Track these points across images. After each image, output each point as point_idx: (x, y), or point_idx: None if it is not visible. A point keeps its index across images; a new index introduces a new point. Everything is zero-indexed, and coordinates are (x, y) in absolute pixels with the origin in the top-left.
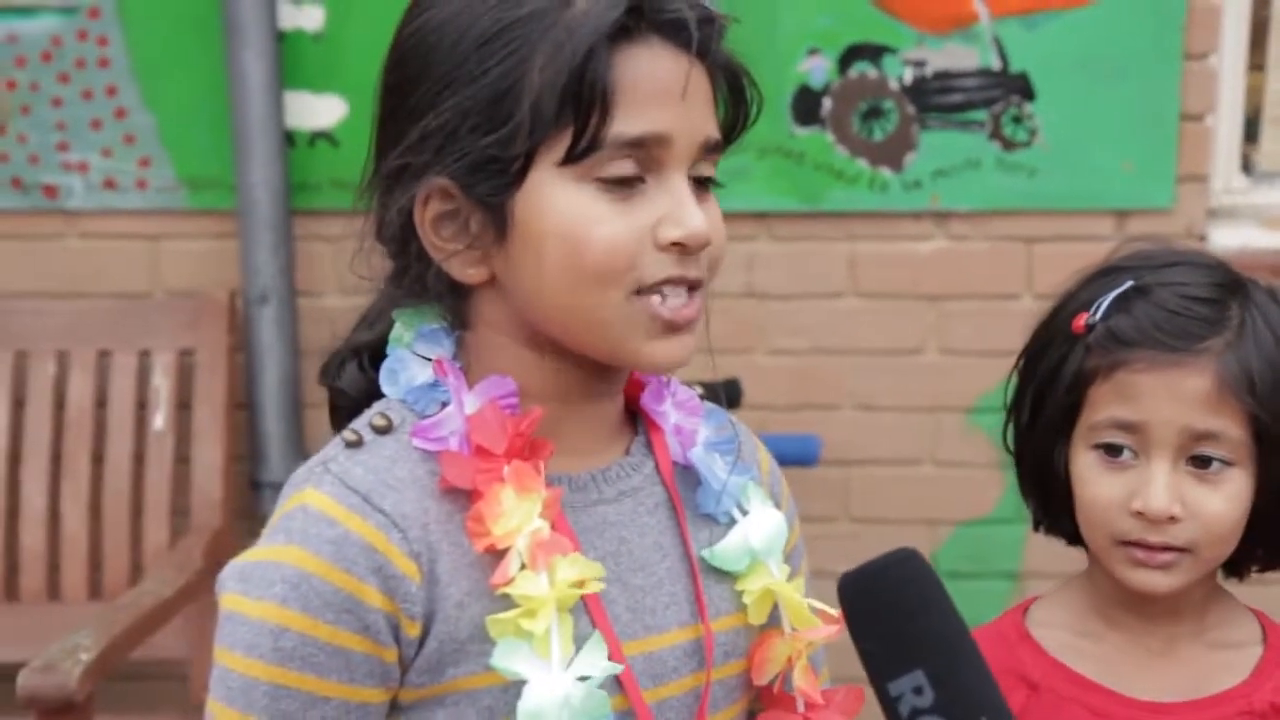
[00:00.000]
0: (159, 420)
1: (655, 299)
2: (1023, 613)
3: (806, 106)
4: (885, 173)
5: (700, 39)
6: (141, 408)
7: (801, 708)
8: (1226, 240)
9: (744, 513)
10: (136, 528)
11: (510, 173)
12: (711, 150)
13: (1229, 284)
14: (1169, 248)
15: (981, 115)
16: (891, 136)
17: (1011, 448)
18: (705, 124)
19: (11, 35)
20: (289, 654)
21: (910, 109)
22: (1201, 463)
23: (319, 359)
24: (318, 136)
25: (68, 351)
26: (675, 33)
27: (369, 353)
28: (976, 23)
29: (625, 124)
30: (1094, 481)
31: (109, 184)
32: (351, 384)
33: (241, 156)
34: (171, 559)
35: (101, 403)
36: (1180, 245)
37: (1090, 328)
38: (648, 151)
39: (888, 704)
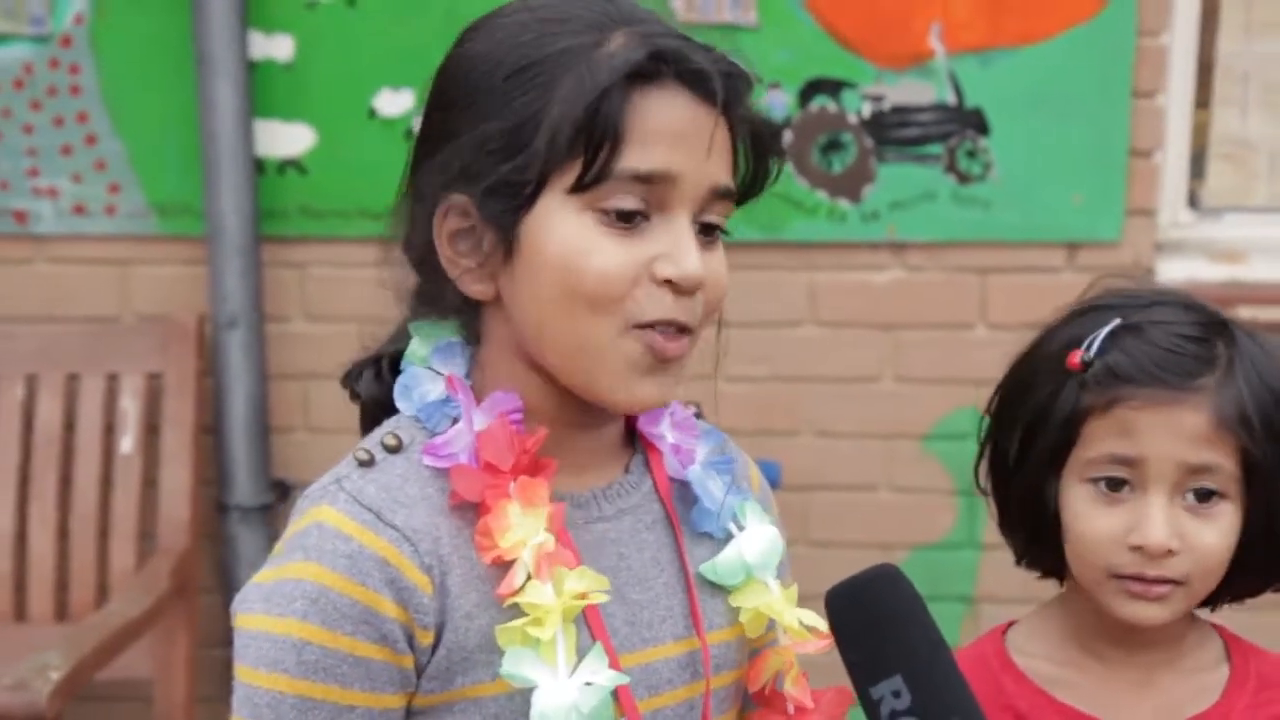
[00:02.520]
0: (127, 443)
1: (646, 331)
2: (1002, 637)
3: None
4: (844, 204)
5: (721, 92)
6: (109, 431)
7: (791, 710)
8: (1173, 273)
9: (740, 528)
10: (104, 550)
11: (522, 196)
12: (722, 198)
13: (1212, 323)
14: (1148, 286)
15: (937, 149)
16: (850, 169)
17: (983, 482)
18: (716, 172)
19: None
20: (313, 666)
21: (868, 142)
22: (1202, 496)
23: (286, 383)
24: (287, 164)
25: (36, 375)
26: (697, 83)
27: (389, 361)
28: (933, 59)
29: (634, 159)
30: (1089, 516)
31: (79, 209)
32: (367, 390)
33: (211, 183)
34: (138, 581)
35: (70, 426)
36: (1156, 284)
37: (1087, 364)
38: (654, 189)
39: (869, 707)
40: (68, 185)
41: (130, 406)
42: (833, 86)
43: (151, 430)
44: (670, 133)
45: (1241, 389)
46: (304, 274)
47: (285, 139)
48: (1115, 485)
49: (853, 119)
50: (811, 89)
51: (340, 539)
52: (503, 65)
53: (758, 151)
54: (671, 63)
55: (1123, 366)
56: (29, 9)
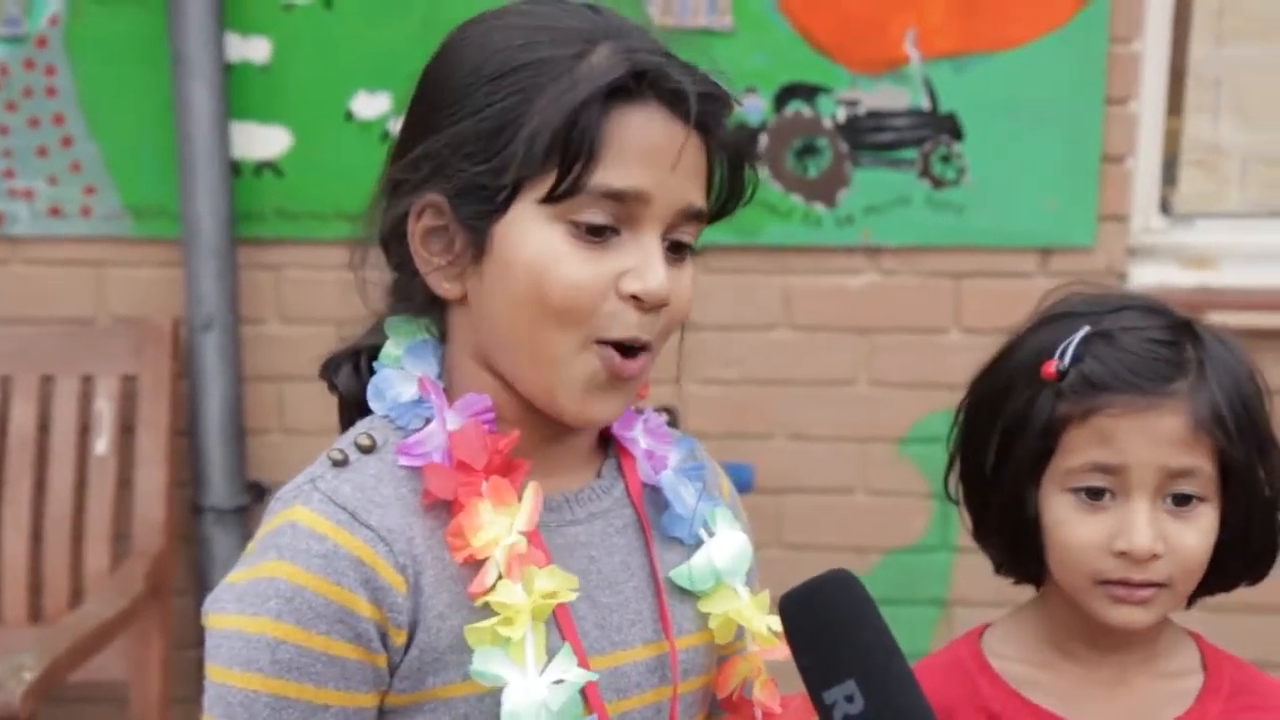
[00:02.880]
0: (102, 445)
1: (606, 348)
2: (978, 639)
3: None
4: (819, 208)
5: (699, 113)
6: (84, 433)
7: (759, 716)
8: (1145, 278)
9: (710, 534)
10: (78, 551)
11: (496, 201)
12: (693, 219)
13: (1179, 326)
14: (1112, 291)
15: (912, 154)
16: (825, 173)
17: (954, 492)
18: (689, 192)
19: None
20: (287, 665)
21: (843, 147)
22: (1181, 500)
23: (261, 386)
24: (263, 166)
25: (11, 377)
26: (675, 102)
27: (367, 355)
28: (908, 65)
29: (607, 175)
30: (1072, 524)
31: (54, 211)
32: (345, 384)
33: (187, 185)
34: (113, 582)
35: (45, 427)
36: (1120, 289)
37: (1062, 374)
38: (625, 206)
39: (823, 712)
40: (43, 187)
41: (105, 408)
42: (808, 91)
43: (126, 432)
44: (645, 151)
45: (1215, 390)
46: (279, 276)
47: (261, 141)
48: (1097, 494)
49: (828, 124)
50: (787, 94)
51: (315, 538)
52: (486, 67)
53: (734, 173)
54: (651, 81)
55: (1098, 375)
56: (4, 10)
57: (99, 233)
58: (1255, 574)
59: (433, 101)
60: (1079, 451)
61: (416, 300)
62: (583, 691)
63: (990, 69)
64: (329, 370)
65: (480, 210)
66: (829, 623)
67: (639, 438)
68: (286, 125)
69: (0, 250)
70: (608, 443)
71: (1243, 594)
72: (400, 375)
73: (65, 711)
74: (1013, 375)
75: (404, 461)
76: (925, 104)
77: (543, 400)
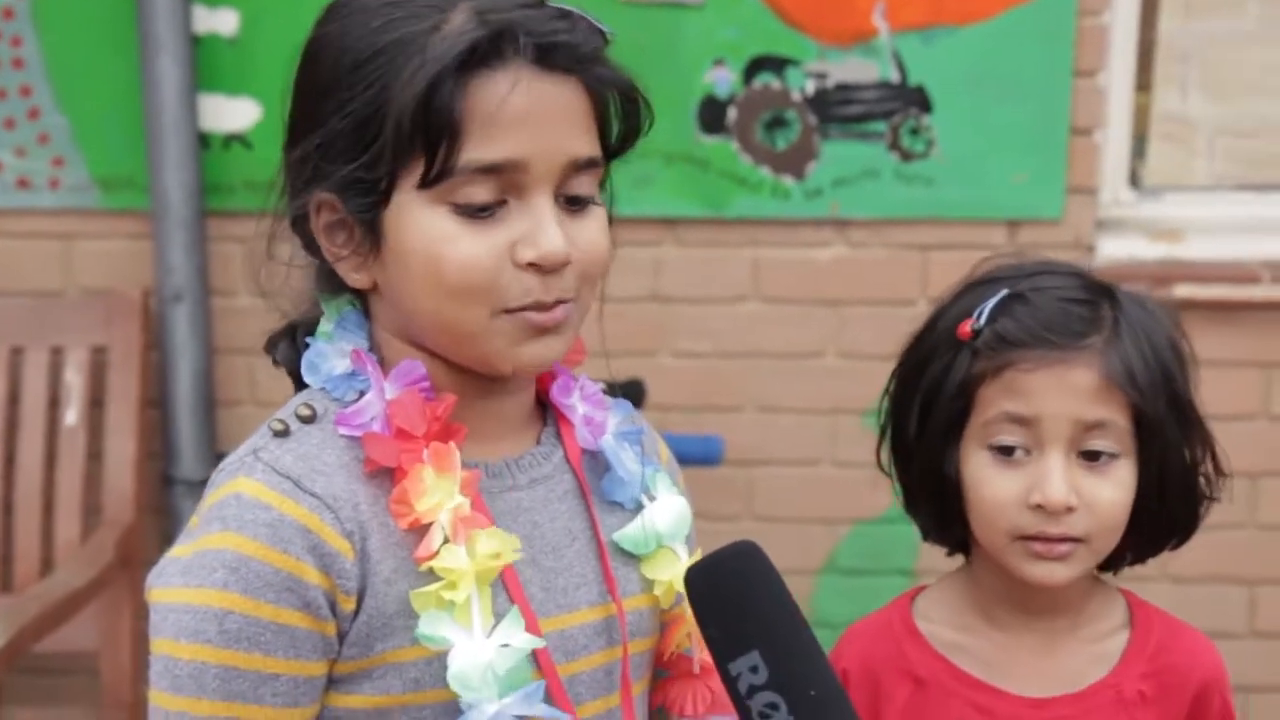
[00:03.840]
0: (71, 416)
1: (519, 314)
2: (910, 603)
3: (712, 116)
4: (787, 181)
5: (571, 60)
6: (54, 405)
7: (697, 669)
8: (1114, 251)
9: (651, 499)
10: (48, 523)
11: (377, 192)
12: (585, 169)
13: (1096, 287)
14: (1034, 258)
15: (880, 127)
16: (794, 146)
17: (887, 464)
18: (572, 144)
19: None
20: (235, 635)
21: (812, 119)
22: (1091, 455)
23: (232, 358)
24: (232, 139)
25: None
26: (540, 56)
27: (304, 330)
28: (876, 37)
29: (476, 151)
30: (989, 481)
31: (22, 183)
32: (284, 358)
33: (155, 158)
34: (83, 553)
35: (14, 399)
36: (1042, 256)
37: (976, 333)
38: (504, 176)
39: (729, 682)
40: (11, 159)
41: (75, 380)
42: (777, 64)
43: (96, 404)
44: (513, 116)
45: (1128, 346)
46: (249, 249)
47: (230, 113)
48: (1008, 450)
49: (796, 96)
50: (755, 66)
51: (260, 508)
52: (348, 55)
53: (626, 107)
54: (510, 39)
55: (1011, 331)
56: None
57: (67, 205)
58: (1178, 535)
59: (308, 92)
60: (992, 405)
61: (337, 283)
62: (533, 655)
63: (959, 41)
64: (271, 347)
65: (365, 203)
66: (733, 594)
67: (576, 404)
68: (255, 97)
69: None
70: (546, 410)
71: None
72: (332, 349)
73: (37, 682)
74: (934, 342)
75: (343, 431)
76: (894, 77)
77: (476, 364)
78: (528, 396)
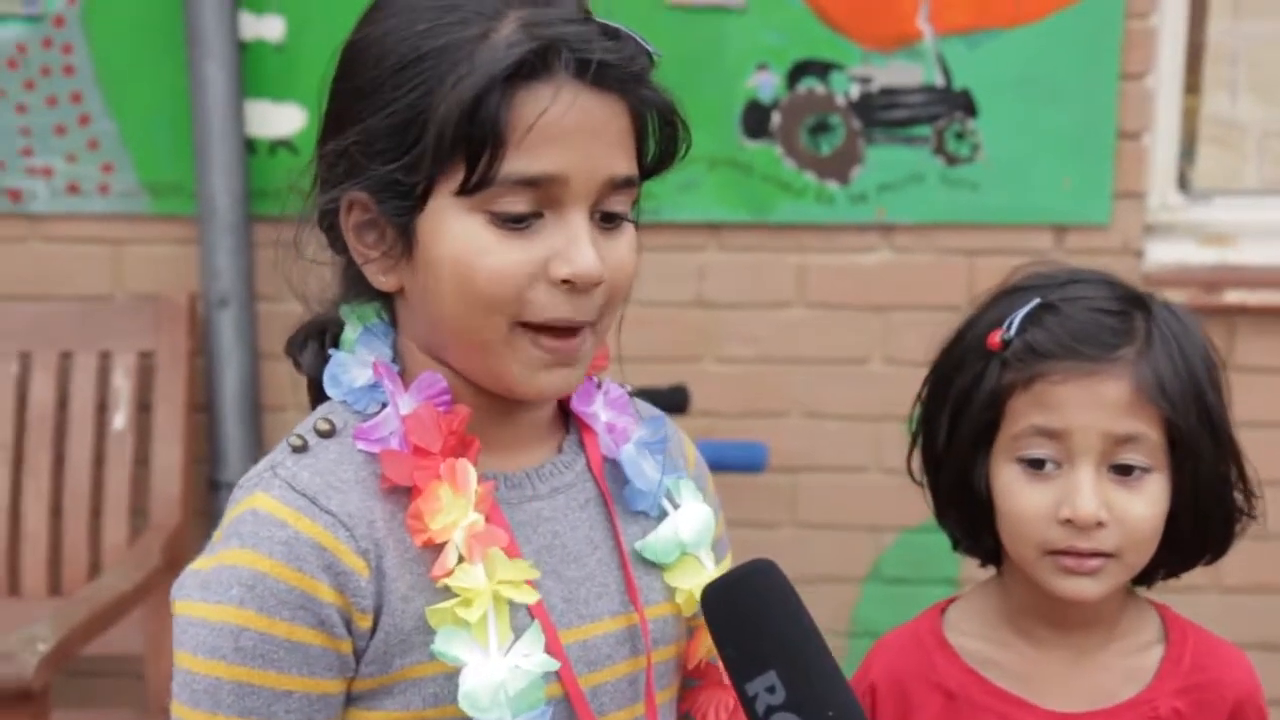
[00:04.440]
0: (119, 421)
1: (537, 333)
2: (940, 614)
3: (756, 120)
4: (832, 186)
5: (616, 79)
6: (102, 409)
7: (726, 679)
8: (1162, 256)
9: (675, 506)
10: (96, 526)
11: (413, 197)
12: (621, 187)
13: (1129, 297)
14: (1066, 267)
15: (925, 131)
16: (838, 150)
17: (917, 473)
18: (612, 162)
19: None
20: (250, 653)
21: (856, 124)
22: (1123, 470)
23: (277, 362)
24: (278, 144)
25: (30, 352)
26: (585, 72)
27: (332, 335)
28: (921, 41)
29: (518, 163)
30: (1019, 493)
31: (73, 189)
32: (309, 363)
33: (202, 163)
34: (130, 556)
35: (63, 403)
36: (1075, 265)
37: (1006, 343)
38: (543, 189)
39: (746, 703)
40: (61, 165)
41: (123, 384)
42: (820, 68)
43: (144, 408)
44: (557, 131)
45: (1160, 359)
46: (280, 248)
47: (276, 119)
48: (1038, 463)
49: (841, 101)
50: (799, 71)
51: (276, 525)
52: (392, 56)
53: (665, 129)
54: (558, 54)
55: (1041, 342)
56: None
57: (116, 210)
58: (1212, 551)
59: (348, 92)
60: (1022, 417)
61: (366, 287)
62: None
63: (1004, 45)
64: (294, 347)
65: (400, 206)
66: (750, 613)
67: (599, 412)
68: (301, 103)
69: (19, 228)
70: (569, 417)
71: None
72: (354, 360)
73: (83, 684)
74: (964, 351)
75: (361, 446)
76: (939, 81)
77: (491, 382)
78: (549, 406)
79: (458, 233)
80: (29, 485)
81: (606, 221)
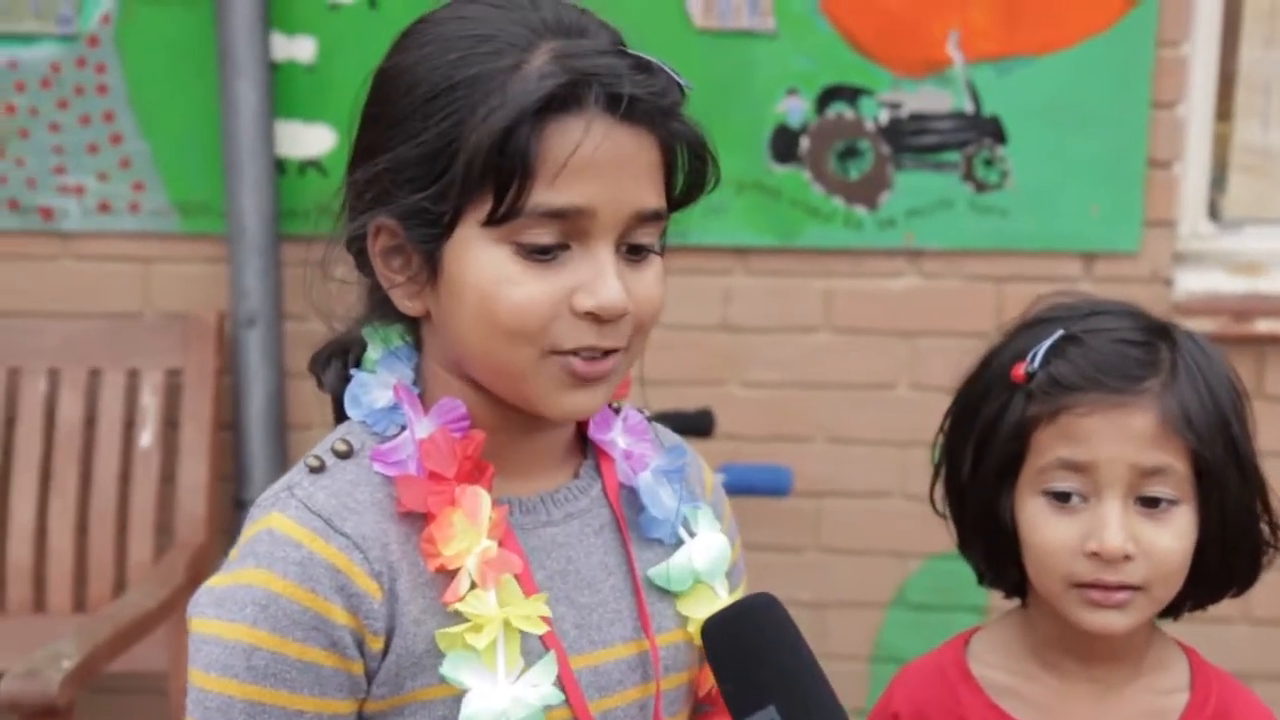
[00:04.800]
0: (146, 438)
1: (566, 357)
2: (964, 645)
3: (784, 145)
4: (860, 211)
5: (646, 112)
6: (129, 426)
7: None
8: (1192, 285)
9: (691, 534)
10: (121, 543)
11: (440, 225)
12: (649, 220)
13: (1153, 328)
14: (1088, 297)
15: (954, 157)
16: (867, 176)
17: (940, 504)
18: (640, 196)
19: (12, 61)
20: (262, 672)
21: (885, 149)
22: (1150, 502)
23: (304, 381)
24: (307, 165)
25: (59, 370)
26: (617, 106)
27: (355, 354)
28: (951, 67)
29: (546, 195)
30: (1045, 527)
31: (104, 207)
32: (331, 382)
33: (232, 183)
34: (155, 574)
35: (91, 420)
36: (1097, 295)
37: (1030, 375)
38: (570, 222)
39: None
40: (93, 183)
41: (150, 402)
42: (850, 93)
43: (170, 426)
44: (585, 164)
45: (1185, 390)
46: (308, 269)
47: (306, 140)
48: (1064, 496)
49: (870, 126)
50: (829, 96)
51: (290, 546)
52: (423, 85)
53: (694, 162)
54: (588, 88)
55: (1066, 374)
56: (57, 9)
57: (146, 229)
58: (1239, 584)
59: (378, 118)
60: (1048, 451)
61: (391, 309)
62: (566, 692)
63: (1035, 72)
64: (317, 365)
65: (428, 234)
66: (751, 646)
67: (617, 438)
68: (331, 124)
69: (51, 245)
70: (587, 442)
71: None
72: (375, 381)
73: (107, 702)
74: (988, 383)
75: (378, 468)
76: (968, 107)
77: (519, 402)
78: (567, 430)
79: (484, 263)
80: (56, 501)
81: (633, 254)
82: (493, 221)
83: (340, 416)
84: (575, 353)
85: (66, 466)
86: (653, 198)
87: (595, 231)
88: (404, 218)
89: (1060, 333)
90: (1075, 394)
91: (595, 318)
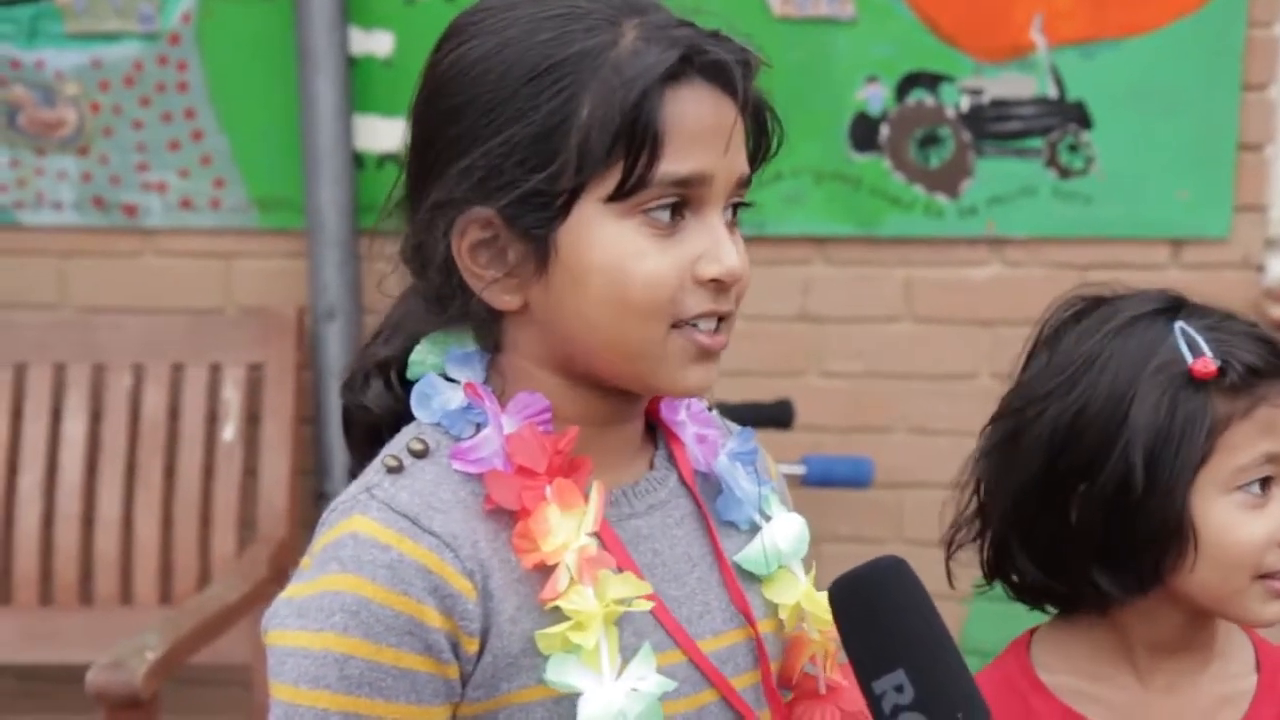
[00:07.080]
0: (228, 432)
1: (691, 329)
2: (1026, 652)
3: (864, 133)
4: (941, 199)
5: (736, 79)
6: (212, 420)
7: (823, 689)
8: None
9: (766, 518)
10: (205, 536)
11: (555, 207)
12: (744, 186)
13: (1225, 313)
14: (1115, 291)
15: (1038, 143)
16: (947, 163)
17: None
18: (740, 160)
19: (96, 60)
20: (356, 681)
21: (966, 136)
22: None
23: None
24: (386, 159)
25: (143, 365)
26: (719, 75)
27: (395, 370)
28: (1034, 52)
29: (672, 164)
30: (1240, 524)
31: (185, 203)
32: (377, 401)
33: (311, 177)
34: (238, 567)
35: (174, 415)
36: (1094, 295)
37: (1223, 370)
38: (690, 189)
39: (872, 702)
40: (175, 180)
41: (232, 396)
42: (930, 80)
43: (252, 420)
44: (702, 132)
45: None
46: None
47: (384, 134)
48: (1265, 484)
49: (950, 113)
50: (909, 82)
51: (378, 548)
52: (518, 68)
53: (759, 126)
54: (696, 59)
55: (1257, 365)
56: (138, 7)
57: (227, 224)
58: None
59: (459, 111)
60: (1248, 446)
61: (468, 314)
62: (705, 673)
63: (1120, 56)
64: (352, 389)
65: (540, 218)
66: (879, 610)
67: (686, 421)
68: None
69: (134, 242)
70: (655, 434)
71: None
72: (445, 382)
73: (191, 693)
74: (1126, 385)
75: (458, 467)
76: (1052, 92)
77: (637, 386)
78: (641, 422)
79: (610, 240)
80: (141, 495)
81: (729, 219)
82: (620, 195)
83: (359, 444)
84: (695, 324)
85: (151, 460)
86: (745, 163)
87: (709, 198)
88: (511, 205)
89: (1187, 325)
90: (1265, 383)
91: (718, 284)
